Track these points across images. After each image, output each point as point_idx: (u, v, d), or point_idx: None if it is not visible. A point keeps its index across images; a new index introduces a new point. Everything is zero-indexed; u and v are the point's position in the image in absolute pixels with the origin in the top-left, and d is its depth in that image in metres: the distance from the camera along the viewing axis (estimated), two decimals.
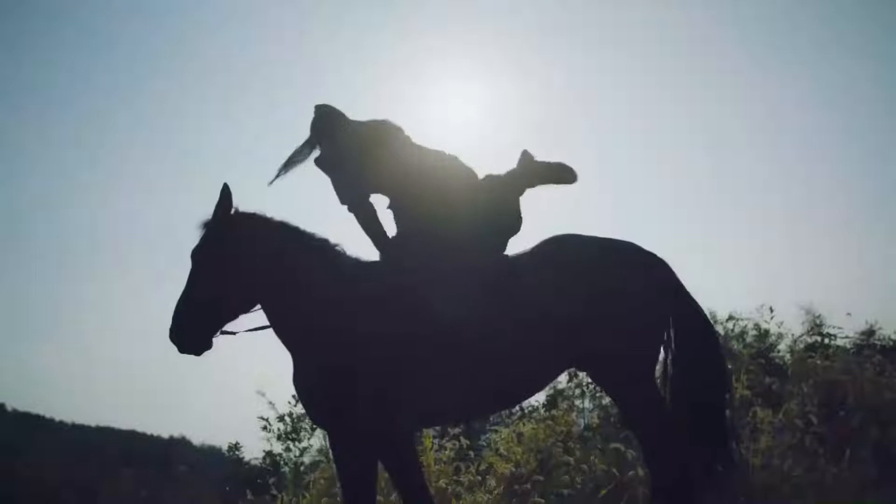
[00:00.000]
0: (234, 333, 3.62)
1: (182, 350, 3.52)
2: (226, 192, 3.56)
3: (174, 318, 3.49)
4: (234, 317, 3.59)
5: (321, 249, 3.59)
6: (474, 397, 3.42)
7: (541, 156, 3.72)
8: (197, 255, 3.55)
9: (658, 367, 3.58)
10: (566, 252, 3.51)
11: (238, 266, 3.49)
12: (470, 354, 3.28)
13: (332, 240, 3.64)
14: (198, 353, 3.55)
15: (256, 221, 3.61)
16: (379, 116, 3.75)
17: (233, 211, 3.59)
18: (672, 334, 3.54)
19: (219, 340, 3.61)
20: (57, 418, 57.68)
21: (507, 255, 3.58)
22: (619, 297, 3.39)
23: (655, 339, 3.52)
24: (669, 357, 3.56)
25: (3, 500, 20.45)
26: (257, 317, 3.63)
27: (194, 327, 3.49)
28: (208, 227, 3.59)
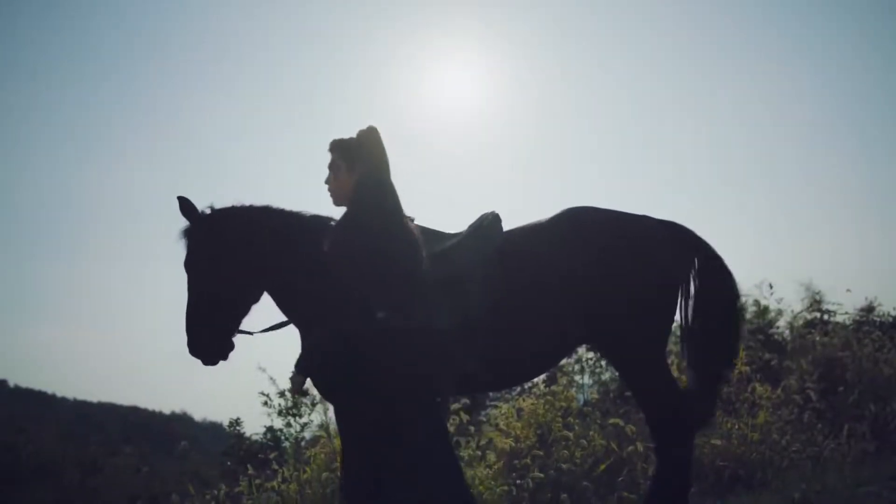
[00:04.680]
0: (251, 333, 3.54)
1: (208, 362, 3.45)
2: (184, 204, 3.44)
3: (188, 332, 3.40)
4: (247, 311, 3.52)
5: (318, 225, 3.48)
6: (493, 367, 3.36)
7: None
8: (191, 262, 3.44)
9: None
10: (579, 222, 3.49)
11: (237, 260, 3.40)
12: (485, 325, 3.21)
13: (324, 214, 3.55)
14: (224, 358, 3.48)
15: (239, 212, 3.52)
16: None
17: (209, 210, 3.50)
18: (695, 291, 3.59)
19: None
20: (59, 394, 57.99)
21: (513, 230, 3.52)
22: (631, 265, 3.38)
23: (667, 306, 3.52)
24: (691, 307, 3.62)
25: (4, 475, 20.55)
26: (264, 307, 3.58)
27: (212, 335, 3.41)
28: (191, 234, 3.48)
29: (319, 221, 3.51)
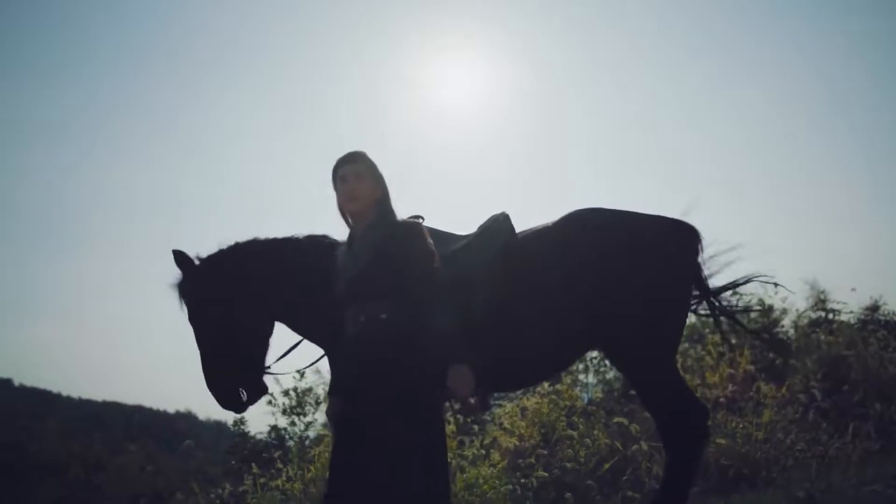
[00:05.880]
0: (269, 370, 3.48)
1: (240, 410, 3.44)
2: (179, 257, 3.39)
3: (214, 388, 3.36)
4: (267, 348, 3.47)
5: (317, 246, 3.45)
6: (501, 371, 3.32)
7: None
8: (198, 315, 3.38)
9: None
10: (586, 224, 3.45)
11: (243, 298, 3.36)
12: (490, 329, 3.16)
13: (318, 233, 3.52)
14: (255, 402, 3.45)
15: (231, 252, 3.47)
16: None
17: (197, 261, 3.44)
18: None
19: None
20: (63, 393, 58.16)
21: (522, 233, 3.49)
22: (638, 267, 3.34)
23: (677, 308, 3.48)
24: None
25: (9, 473, 20.63)
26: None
27: (239, 384, 3.37)
28: (189, 287, 3.42)
29: (314, 241, 3.50)
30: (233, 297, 3.35)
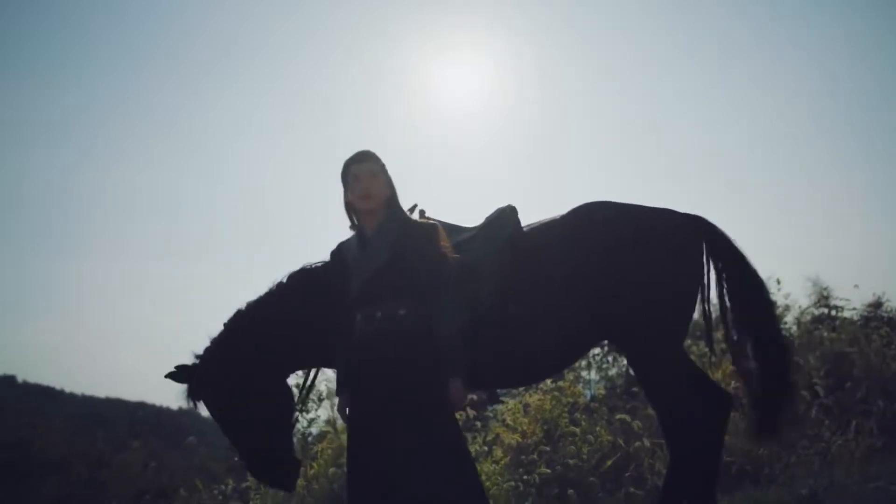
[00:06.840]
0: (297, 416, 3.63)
1: (292, 486, 3.49)
2: (181, 373, 3.39)
3: (262, 473, 3.45)
4: (294, 411, 3.55)
5: (302, 282, 3.45)
6: (506, 366, 3.34)
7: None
8: (222, 416, 3.40)
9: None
10: (593, 217, 3.40)
11: (257, 376, 3.36)
12: (495, 323, 3.17)
13: (300, 266, 3.50)
14: (299, 469, 3.49)
15: (224, 339, 3.46)
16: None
17: (198, 360, 3.45)
18: (725, 287, 3.48)
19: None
20: (66, 390, 58.16)
21: (528, 227, 3.45)
22: (644, 260, 3.27)
23: (684, 304, 3.40)
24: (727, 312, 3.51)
25: (13, 470, 20.65)
26: None
27: (283, 456, 3.39)
28: (203, 398, 3.43)
29: (295, 279, 3.49)
30: (246, 375, 3.34)
